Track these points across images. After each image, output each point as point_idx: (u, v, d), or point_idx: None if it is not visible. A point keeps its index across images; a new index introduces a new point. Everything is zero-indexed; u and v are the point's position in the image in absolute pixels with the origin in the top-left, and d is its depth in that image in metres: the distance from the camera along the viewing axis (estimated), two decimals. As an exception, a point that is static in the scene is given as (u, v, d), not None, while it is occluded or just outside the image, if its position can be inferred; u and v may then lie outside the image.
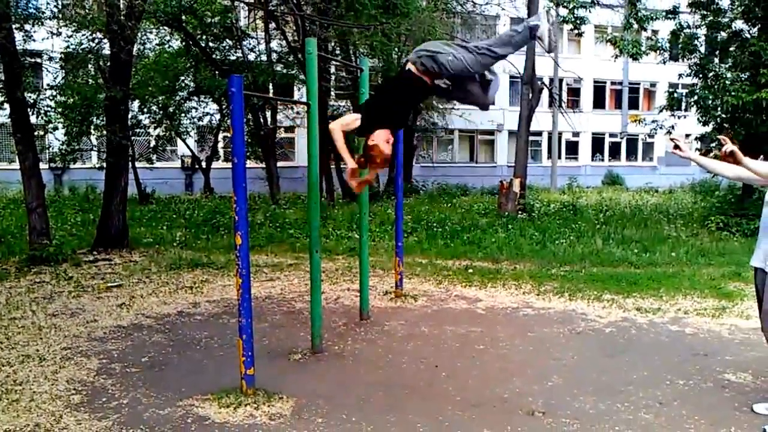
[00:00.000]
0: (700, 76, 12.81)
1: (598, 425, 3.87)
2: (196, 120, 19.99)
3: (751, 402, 4.17)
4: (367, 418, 3.92)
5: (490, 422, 3.88)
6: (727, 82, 11.88)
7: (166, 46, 17.25)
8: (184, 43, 17.40)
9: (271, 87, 18.77)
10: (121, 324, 6.00)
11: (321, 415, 3.96)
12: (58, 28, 11.02)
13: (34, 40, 10.98)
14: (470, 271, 8.75)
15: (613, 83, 32.10)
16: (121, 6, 9.66)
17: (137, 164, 18.27)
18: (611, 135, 32.56)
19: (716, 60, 13.10)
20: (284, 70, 18.62)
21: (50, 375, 4.59)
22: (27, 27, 9.65)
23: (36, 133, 10.00)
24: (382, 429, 3.78)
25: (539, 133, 29.59)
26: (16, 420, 3.80)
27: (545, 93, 22.98)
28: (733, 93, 11.51)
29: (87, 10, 11.72)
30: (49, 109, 13.01)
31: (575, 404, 4.19)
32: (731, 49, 12.78)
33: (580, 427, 3.84)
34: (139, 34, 12.51)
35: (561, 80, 28.53)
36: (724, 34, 12.77)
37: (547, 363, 5.05)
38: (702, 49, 12.98)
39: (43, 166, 20.44)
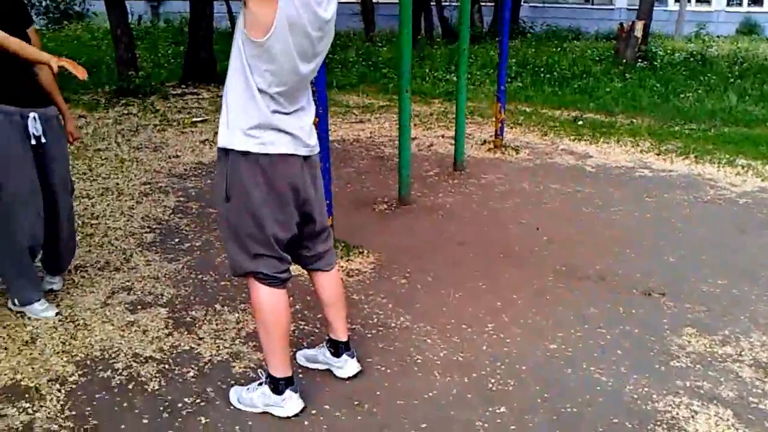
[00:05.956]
0: None
1: (731, 314, 3.23)
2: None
3: None
4: (456, 283, 3.47)
5: (597, 300, 3.33)
6: None
7: None
8: None
9: None
10: (202, 161, 5.76)
11: (404, 276, 3.55)
12: None
13: None
14: (580, 123, 7.84)
15: None
16: None
17: (229, -4, 17.60)
18: (756, -27, 28.18)
19: None
20: None
21: (126, 210, 4.41)
22: None
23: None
24: (472, 297, 3.32)
25: (669, -29, 26.02)
26: (88, 255, 3.63)
27: None
28: None
29: None
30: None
31: (702, 287, 3.54)
32: None
33: (709, 314, 3.22)
34: None
35: None
36: None
37: (668, 235, 4.35)
38: None
39: (137, -4, 19.98)
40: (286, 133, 2.07)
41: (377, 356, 2.69)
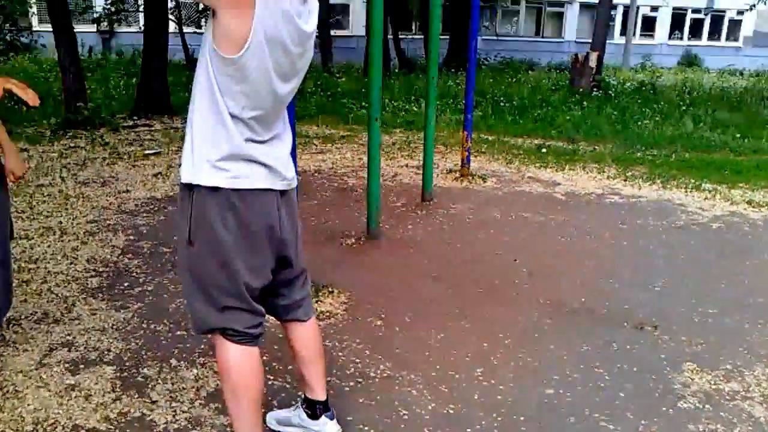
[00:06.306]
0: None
1: (729, 347, 3.04)
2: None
3: None
4: (436, 324, 3.19)
5: (589, 336, 3.10)
6: None
7: None
8: None
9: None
10: (154, 196, 5.37)
11: (379, 317, 3.25)
12: None
13: None
14: (544, 150, 7.76)
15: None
16: None
17: (185, 29, 17.40)
18: (694, 11, 29.35)
19: None
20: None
21: (70, 252, 4.00)
22: None
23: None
24: (456, 339, 3.05)
25: (614, 6, 26.76)
26: (23, 306, 3.21)
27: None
28: None
29: None
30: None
31: (693, 317, 3.36)
32: None
33: (706, 347, 3.03)
34: None
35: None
36: None
37: (648, 262, 4.19)
38: None
39: (90, 29, 19.62)
40: (261, 164, 1.77)
41: (358, 413, 2.38)
